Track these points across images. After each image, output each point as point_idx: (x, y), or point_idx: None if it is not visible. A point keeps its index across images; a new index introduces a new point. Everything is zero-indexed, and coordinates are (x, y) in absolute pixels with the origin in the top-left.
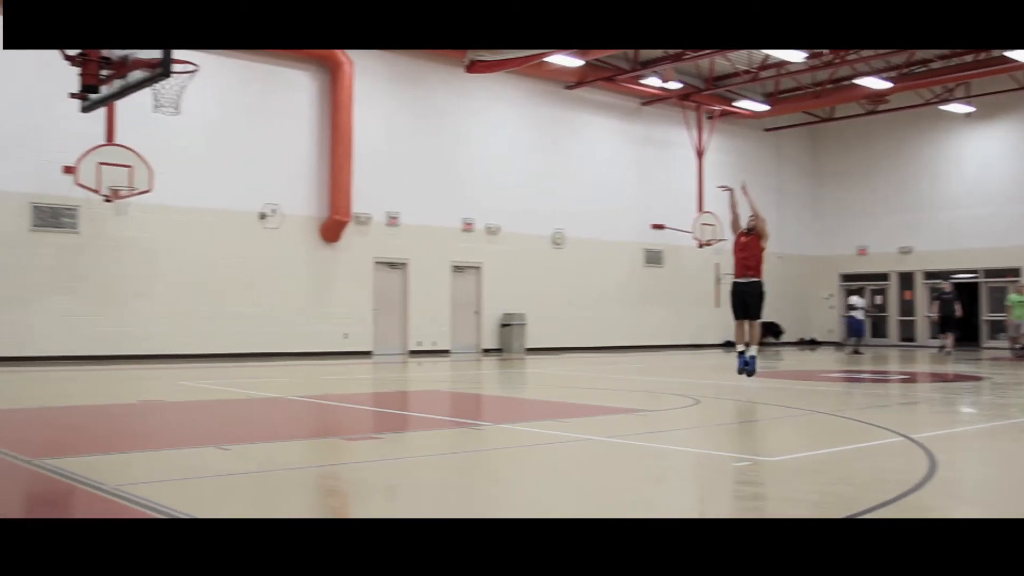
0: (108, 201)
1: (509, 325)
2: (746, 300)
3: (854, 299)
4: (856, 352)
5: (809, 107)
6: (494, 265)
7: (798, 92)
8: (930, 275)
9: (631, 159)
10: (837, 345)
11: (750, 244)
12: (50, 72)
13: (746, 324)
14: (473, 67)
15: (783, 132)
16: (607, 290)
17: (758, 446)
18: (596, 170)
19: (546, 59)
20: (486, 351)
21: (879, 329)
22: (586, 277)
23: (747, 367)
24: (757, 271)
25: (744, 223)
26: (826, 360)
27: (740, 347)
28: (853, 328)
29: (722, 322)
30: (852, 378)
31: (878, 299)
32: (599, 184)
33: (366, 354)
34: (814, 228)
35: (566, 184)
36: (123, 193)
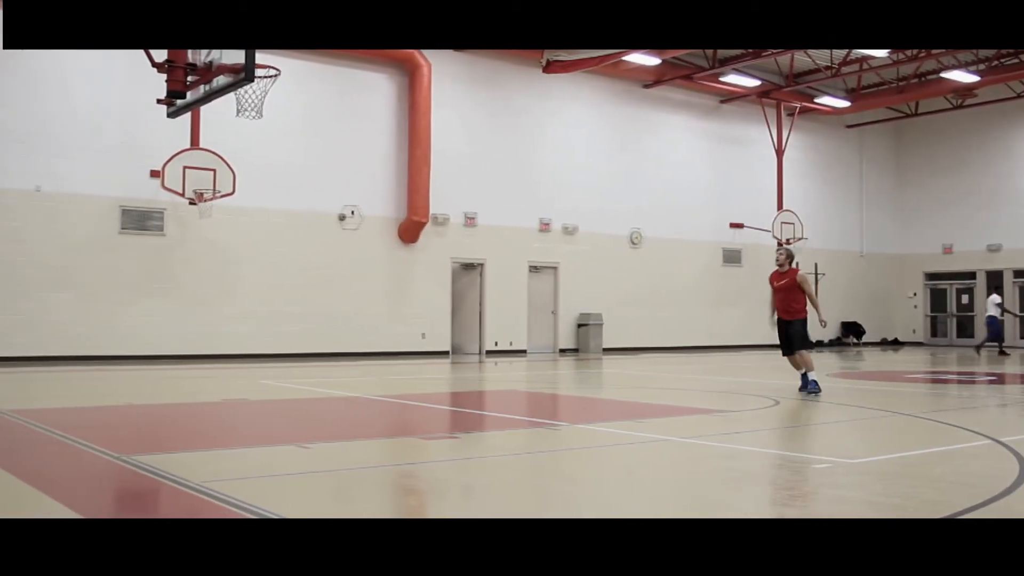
0: (192, 204)
1: (586, 325)
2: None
3: (994, 298)
4: (1002, 353)
5: (893, 103)
6: (571, 265)
7: (881, 87)
8: (1019, 273)
9: (709, 157)
10: (920, 345)
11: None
12: (139, 79)
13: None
14: (550, 67)
15: (866, 128)
16: (684, 289)
17: (839, 448)
18: (674, 169)
19: (623, 58)
20: (562, 351)
21: (965, 329)
22: (663, 277)
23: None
24: (798, 312)
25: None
26: (910, 360)
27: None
28: (993, 329)
29: None
30: (938, 379)
31: (997, 298)
32: (677, 183)
33: (443, 354)
34: (897, 226)
35: (643, 183)
36: (207, 196)
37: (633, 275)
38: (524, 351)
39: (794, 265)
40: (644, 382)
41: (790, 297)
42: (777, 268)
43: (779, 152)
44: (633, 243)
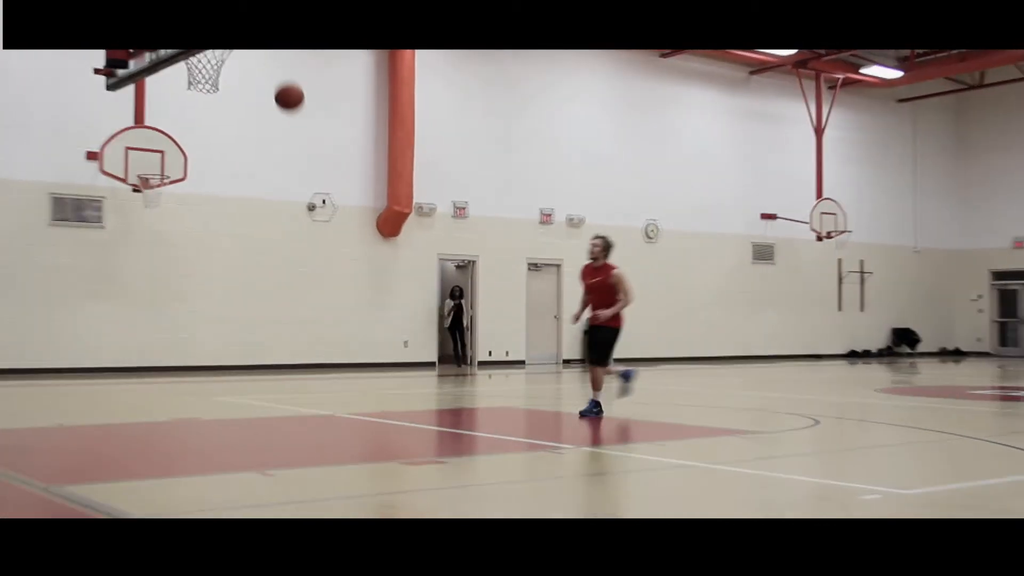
0: (137, 191)
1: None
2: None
3: None
4: None
5: (953, 72)
6: (576, 262)
7: (940, 55)
8: None
9: (737, 138)
10: (986, 356)
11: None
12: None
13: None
14: None
15: (920, 103)
16: (709, 291)
17: (889, 476)
18: (696, 151)
19: None
20: (567, 362)
21: None
22: (684, 276)
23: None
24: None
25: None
26: (973, 373)
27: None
28: None
29: (846, 328)
30: (1008, 396)
31: None
32: (699, 168)
33: (429, 365)
34: (958, 217)
35: (661, 168)
36: (153, 182)
37: (649, 274)
38: (522, 362)
39: (610, 260)
40: (662, 398)
41: (604, 299)
42: (590, 262)
43: (818, 131)
44: (648, 237)
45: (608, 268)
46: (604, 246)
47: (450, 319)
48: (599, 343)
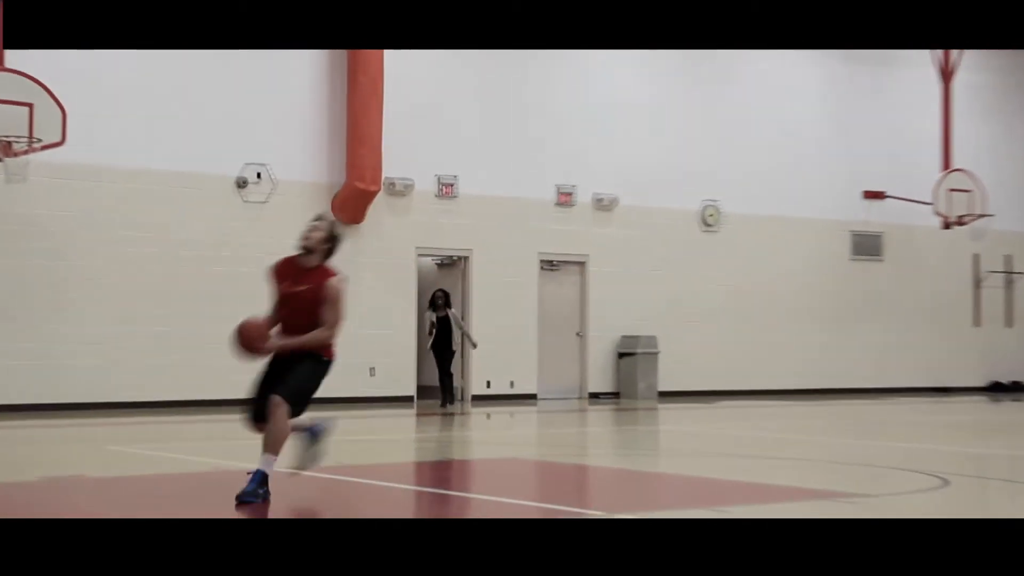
0: None
1: (630, 354)
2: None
3: None
4: None
5: None
6: (607, 259)
7: None
8: None
9: (830, 89)
10: None
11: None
12: None
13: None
14: None
15: None
16: (789, 298)
17: None
18: (770, 110)
19: None
20: (594, 396)
21: None
22: (754, 277)
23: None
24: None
25: None
26: None
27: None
28: None
29: (987, 350)
30: None
31: None
32: (776, 131)
33: (405, 400)
34: None
35: (722, 132)
36: (19, 147)
37: (706, 275)
38: (533, 396)
39: (328, 263)
40: (724, 445)
41: (304, 319)
42: (299, 253)
43: (945, 75)
44: (706, 224)
45: (325, 273)
46: (328, 236)
47: (432, 339)
48: (296, 379)
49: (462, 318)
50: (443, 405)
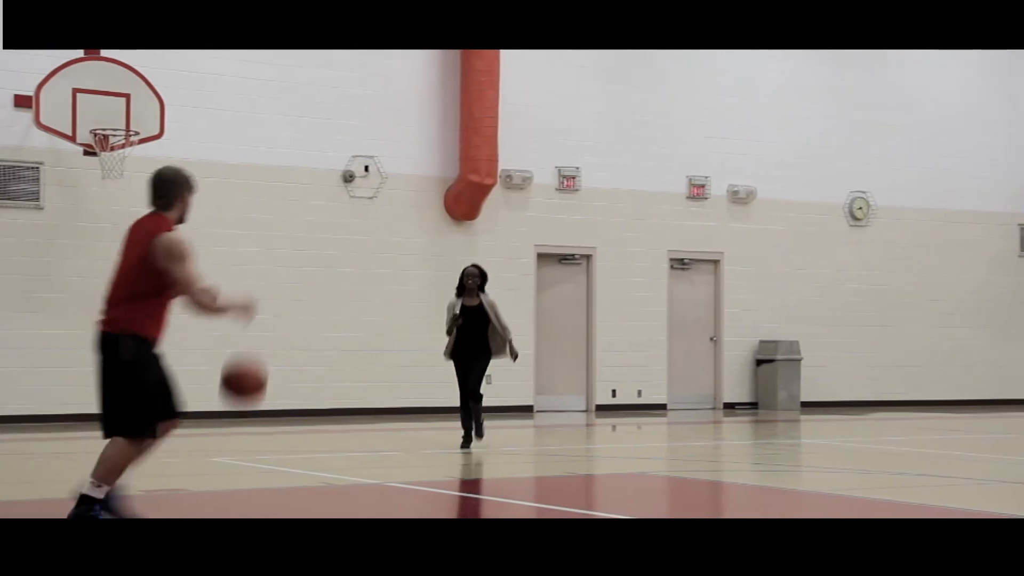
0: (90, 154)
1: (770, 361)
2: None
3: None
4: None
5: None
6: (743, 257)
7: None
8: None
9: (993, 70)
10: None
11: None
12: None
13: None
14: None
15: None
16: (947, 300)
17: None
18: (927, 90)
19: None
20: (729, 406)
21: None
22: (908, 276)
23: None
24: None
25: None
26: None
27: None
28: None
29: None
30: None
31: None
32: (934, 114)
33: (524, 409)
34: None
35: (875, 114)
36: (115, 141)
37: (853, 274)
38: (663, 406)
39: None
40: (883, 462)
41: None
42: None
43: None
44: (855, 218)
45: (160, 225)
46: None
47: (453, 339)
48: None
49: (504, 319)
50: (465, 445)
